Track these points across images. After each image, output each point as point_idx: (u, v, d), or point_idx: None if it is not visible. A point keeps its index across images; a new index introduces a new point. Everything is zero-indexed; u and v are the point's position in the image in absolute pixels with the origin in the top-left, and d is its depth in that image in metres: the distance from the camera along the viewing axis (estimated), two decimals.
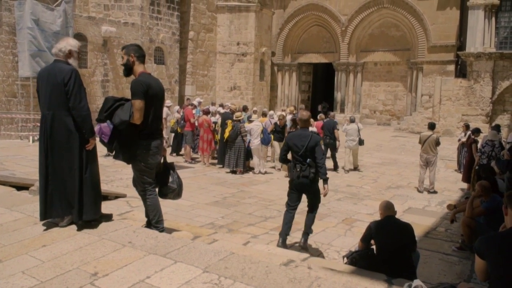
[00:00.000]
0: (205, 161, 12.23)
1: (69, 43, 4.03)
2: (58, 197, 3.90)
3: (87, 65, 16.50)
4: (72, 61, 4.01)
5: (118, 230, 3.98)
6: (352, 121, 12.58)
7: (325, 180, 5.48)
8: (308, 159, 5.42)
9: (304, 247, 5.59)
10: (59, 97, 3.84)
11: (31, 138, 14.14)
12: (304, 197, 5.86)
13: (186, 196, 8.39)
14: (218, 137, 12.18)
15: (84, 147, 3.93)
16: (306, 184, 5.53)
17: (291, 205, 5.74)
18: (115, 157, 4.20)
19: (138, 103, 3.93)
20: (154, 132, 4.16)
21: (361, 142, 12.21)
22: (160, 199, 4.37)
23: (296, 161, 5.52)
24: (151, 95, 4.03)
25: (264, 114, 13.52)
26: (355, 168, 12.36)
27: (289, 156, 5.81)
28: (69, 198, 3.90)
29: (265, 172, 11.37)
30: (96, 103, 16.72)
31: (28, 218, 4.24)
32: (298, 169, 5.48)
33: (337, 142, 12.15)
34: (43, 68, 4.13)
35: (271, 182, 10.47)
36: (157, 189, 4.37)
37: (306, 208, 5.93)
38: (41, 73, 4.03)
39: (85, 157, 3.95)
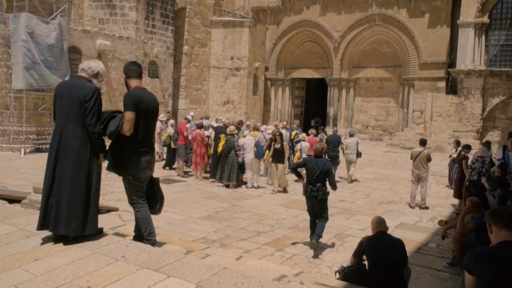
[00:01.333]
0: (198, 175, 12.22)
1: (100, 66, 4.18)
2: (59, 209, 3.88)
3: None
4: (96, 82, 4.13)
5: (111, 244, 3.98)
6: (351, 135, 13.56)
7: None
8: (318, 184, 6.52)
9: (314, 245, 6.39)
10: (78, 112, 3.91)
11: (22, 150, 14.07)
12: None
13: (178, 210, 8.40)
14: (211, 151, 12.21)
15: (92, 162, 4.00)
16: (314, 202, 6.63)
17: (310, 213, 6.89)
18: (108, 168, 4.24)
19: (128, 114, 4.01)
20: (145, 146, 4.21)
21: (358, 155, 13.15)
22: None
23: (309, 183, 6.62)
24: (142, 108, 4.09)
25: (256, 129, 13.58)
26: (352, 180, 13.18)
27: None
28: (71, 211, 3.89)
29: (258, 187, 11.38)
30: None
31: (20, 231, 4.22)
32: (309, 190, 6.59)
33: (339, 157, 13.05)
34: (64, 82, 4.23)
35: (264, 196, 10.48)
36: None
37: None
38: (61, 86, 4.10)
39: (92, 172, 4.01)
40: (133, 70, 4.27)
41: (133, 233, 4.48)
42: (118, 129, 4.00)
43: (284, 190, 11.11)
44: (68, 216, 3.87)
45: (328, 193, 6.65)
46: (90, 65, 4.12)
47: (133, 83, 4.24)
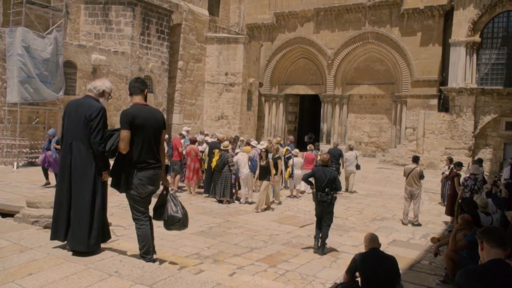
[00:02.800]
0: (191, 190, 12.20)
1: (105, 84, 4.32)
2: (67, 222, 4.07)
3: (75, 92, 16.55)
4: (102, 100, 4.28)
5: (104, 260, 3.97)
6: (351, 149, 14.87)
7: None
8: (327, 189, 7.39)
9: (321, 250, 7.31)
10: (83, 130, 4.07)
11: (15, 164, 14.00)
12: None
13: None
14: (205, 166, 12.21)
15: (98, 179, 4.13)
16: (324, 206, 7.47)
17: (318, 221, 7.63)
18: (111, 185, 4.33)
19: (122, 133, 4.12)
20: (145, 162, 4.23)
21: (357, 167, 14.18)
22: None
23: (318, 190, 7.48)
24: (138, 124, 4.15)
25: (248, 143, 13.60)
26: (351, 191, 14.14)
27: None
28: (76, 225, 4.04)
29: (252, 202, 11.36)
30: None
31: (13, 245, 4.20)
32: (319, 196, 7.45)
33: (341, 169, 13.92)
34: (73, 101, 4.35)
35: (258, 212, 10.46)
36: (151, 220, 4.45)
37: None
38: (70, 105, 4.25)
39: (98, 188, 4.13)
40: (134, 87, 4.38)
41: (132, 248, 4.51)
42: (112, 148, 4.12)
43: (267, 208, 10.77)
44: (73, 231, 4.04)
45: (335, 198, 7.57)
46: (95, 85, 4.28)
47: (134, 99, 4.35)
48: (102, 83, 4.31)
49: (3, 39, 14.10)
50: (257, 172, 11.29)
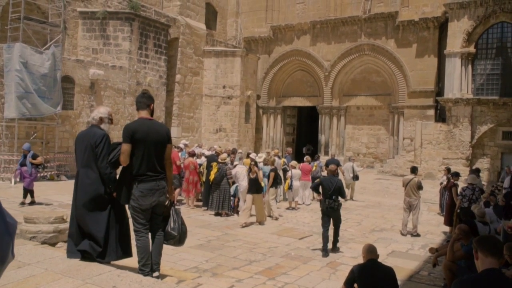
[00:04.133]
0: (189, 203, 12.18)
1: (100, 112, 4.65)
2: (87, 242, 4.39)
3: (73, 106, 16.61)
4: (104, 126, 4.63)
5: (102, 274, 3.96)
6: (349, 160, 16.06)
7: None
8: (333, 196, 8.12)
9: (335, 251, 8.13)
10: (90, 157, 4.41)
11: (13, 179, 13.97)
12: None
13: None
14: (203, 179, 12.20)
15: (107, 199, 4.45)
16: (332, 212, 8.17)
17: (325, 226, 8.18)
18: (116, 197, 4.51)
19: (122, 146, 4.32)
20: (146, 175, 4.34)
21: (354, 178, 14.84)
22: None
23: (326, 197, 8.16)
24: (139, 138, 4.28)
25: (248, 155, 13.65)
26: (351, 198, 14.79)
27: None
28: (97, 240, 4.35)
29: (250, 215, 11.33)
30: None
31: (12, 261, 4.19)
32: (327, 203, 8.13)
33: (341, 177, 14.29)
34: (81, 132, 4.78)
35: (256, 225, 10.44)
36: (149, 233, 4.55)
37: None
38: (78, 136, 4.69)
39: (110, 207, 4.45)
40: (140, 102, 4.55)
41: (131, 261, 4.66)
42: (113, 160, 4.38)
43: (260, 223, 10.32)
44: (91, 245, 4.37)
45: (341, 205, 8.36)
46: (93, 116, 4.63)
47: (140, 114, 4.53)
48: (97, 112, 4.66)
49: (1, 55, 14.18)
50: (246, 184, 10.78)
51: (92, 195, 4.38)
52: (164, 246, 4.85)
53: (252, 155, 13.54)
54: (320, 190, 8.34)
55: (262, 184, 10.83)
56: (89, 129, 4.66)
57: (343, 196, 8.48)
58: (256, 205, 10.37)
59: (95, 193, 4.38)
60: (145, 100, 4.54)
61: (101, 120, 4.60)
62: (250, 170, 10.61)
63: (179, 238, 4.53)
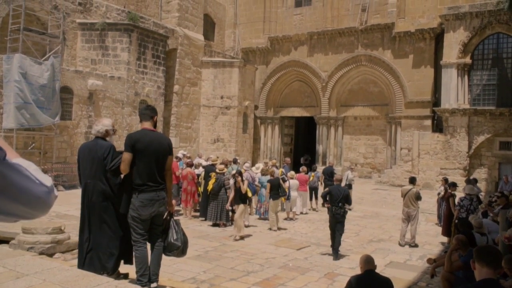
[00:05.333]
0: (187, 213, 12.17)
1: (104, 124, 4.68)
2: (96, 254, 4.44)
3: (71, 117, 16.64)
4: (109, 138, 4.71)
5: (100, 285, 3.95)
6: (348, 169, 16.99)
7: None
8: (340, 203, 8.73)
9: (336, 256, 8.60)
10: (99, 169, 4.44)
11: None
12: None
13: None
14: (201, 189, 12.20)
15: (116, 211, 4.49)
16: (338, 218, 8.74)
17: (333, 229, 8.82)
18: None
19: (123, 155, 4.38)
20: (146, 185, 4.38)
21: (348, 187, 14.25)
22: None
23: (333, 204, 8.77)
24: (140, 148, 4.36)
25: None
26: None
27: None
28: (105, 253, 4.41)
29: (248, 225, 11.34)
30: None
31: (9, 272, 4.19)
32: (333, 209, 8.72)
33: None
34: (84, 144, 4.82)
35: (254, 235, 10.43)
36: (149, 244, 4.60)
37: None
38: (82, 148, 4.68)
39: (115, 219, 4.50)
40: (144, 114, 4.65)
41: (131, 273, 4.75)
42: (113, 168, 4.42)
43: (241, 238, 9.79)
44: (102, 259, 4.44)
45: (347, 212, 8.97)
46: (97, 129, 4.64)
47: (143, 125, 4.63)
48: (102, 125, 4.68)
49: (0, 66, 14.23)
50: (231, 195, 10.52)
51: (102, 207, 4.43)
52: (162, 256, 4.86)
53: (245, 166, 13.56)
54: (328, 198, 9.02)
55: (250, 194, 10.68)
56: (94, 141, 4.68)
57: (350, 203, 9.28)
58: (236, 215, 10.09)
59: (103, 204, 4.44)
60: (148, 112, 4.64)
61: (107, 132, 4.66)
62: (235, 181, 10.30)
63: (182, 249, 4.56)
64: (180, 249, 4.54)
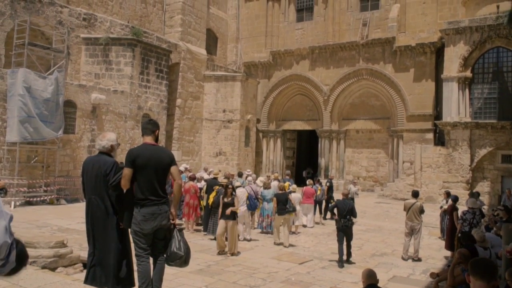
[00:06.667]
0: (189, 227, 12.14)
1: (110, 139, 4.65)
2: (99, 269, 4.41)
3: (74, 130, 16.72)
4: (114, 153, 4.71)
5: None
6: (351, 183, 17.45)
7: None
8: (347, 216, 9.45)
9: (348, 260, 9.43)
10: (100, 185, 4.43)
11: (13, 203, 13.96)
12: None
13: None
14: (203, 203, 12.19)
15: (118, 227, 4.48)
16: (346, 229, 9.43)
17: (340, 241, 9.39)
18: (119, 220, 4.56)
19: (124, 171, 4.39)
20: (147, 199, 4.40)
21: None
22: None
23: (341, 217, 9.48)
24: (140, 163, 4.38)
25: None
26: None
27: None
28: (108, 268, 4.38)
29: (250, 239, 11.30)
30: (81, 168, 16.72)
31: (12, 286, 4.20)
32: (342, 222, 9.43)
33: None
34: (88, 159, 4.78)
35: (256, 249, 10.40)
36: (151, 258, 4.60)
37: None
38: (86, 163, 4.67)
39: (119, 236, 4.48)
40: (146, 128, 4.68)
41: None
42: (114, 183, 4.39)
43: (233, 254, 9.44)
44: (105, 274, 4.41)
45: (353, 223, 9.81)
46: (103, 144, 4.61)
47: (145, 139, 4.66)
48: (107, 140, 4.64)
49: (5, 80, 14.37)
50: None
51: (105, 223, 4.45)
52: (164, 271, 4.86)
53: (249, 178, 13.56)
54: (335, 211, 9.83)
55: (240, 210, 10.30)
56: (98, 157, 4.67)
57: (355, 215, 9.80)
58: (228, 232, 9.54)
59: (106, 221, 4.45)
60: (150, 127, 4.67)
61: (112, 148, 4.65)
62: (225, 193, 9.86)
63: (185, 259, 4.55)
64: (183, 259, 4.51)
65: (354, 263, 9.41)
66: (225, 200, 9.77)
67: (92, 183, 4.52)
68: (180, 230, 4.70)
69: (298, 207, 13.05)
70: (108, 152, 4.63)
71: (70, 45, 17.89)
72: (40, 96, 14.62)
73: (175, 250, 4.48)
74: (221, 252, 9.53)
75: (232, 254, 9.45)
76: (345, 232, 9.45)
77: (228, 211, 9.53)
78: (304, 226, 13.63)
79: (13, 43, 15.40)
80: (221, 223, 9.63)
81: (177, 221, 12.37)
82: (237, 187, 11.65)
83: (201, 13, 25.38)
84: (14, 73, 14.28)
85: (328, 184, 16.47)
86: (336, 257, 9.91)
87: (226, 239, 9.71)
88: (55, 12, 17.31)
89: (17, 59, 15.37)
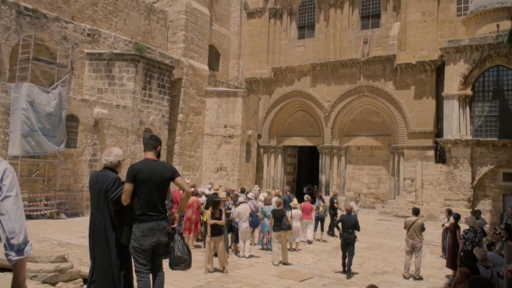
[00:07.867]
0: (190, 243, 12.08)
1: (117, 155, 4.67)
2: (99, 285, 4.39)
3: (76, 144, 16.78)
4: (119, 169, 4.70)
5: None
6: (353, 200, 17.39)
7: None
8: (350, 230, 10.03)
9: (348, 274, 9.75)
10: (102, 201, 4.44)
11: None
12: None
13: (169, 280, 8.25)
14: (203, 219, 12.15)
15: (119, 243, 4.47)
16: (348, 243, 9.96)
17: (345, 253, 10.03)
18: (118, 236, 4.55)
19: (124, 186, 4.41)
20: (147, 214, 4.40)
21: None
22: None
23: (344, 231, 10.05)
24: (141, 179, 4.41)
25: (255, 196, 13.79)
26: None
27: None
28: (108, 285, 4.36)
29: (250, 256, 11.24)
30: (82, 182, 16.76)
31: None
32: (345, 235, 10.03)
33: (338, 211, 16.05)
34: (94, 173, 4.81)
35: (256, 266, 10.35)
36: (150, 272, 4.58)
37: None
38: (92, 177, 4.70)
39: (119, 252, 4.46)
40: (148, 144, 4.74)
41: None
42: (114, 198, 4.39)
43: (223, 270, 9.42)
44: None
45: (356, 237, 10.43)
46: (110, 160, 4.61)
47: (146, 155, 4.71)
48: (115, 156, 4.65)
49: (8, 94, 14.49)
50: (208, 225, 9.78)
51: (104, 242, 4.44)
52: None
53: (250, 195, 13.54)
54: (340, 225, 10.29)
55: (241, 226, 10.96)
56: (102, 172, 4.67)
57: (358, 229, 10.33)
58: (217, 249, 9.55)
59: (107, 237, 4.44)
60: (152, 142, 4.71)
61: (119, 163, 4.66)
62: (215, 209, 9.74)
63: (189, 262, 4.60)
64: (187, 262, 4.60)
65: (356, 273, 10.04)
66: (216, 216, 9.62)
67: (95, 198, 4.54)
68: (180, 234, 4.73)
69: (298, 224, 13.02)
70: (114, 167, 4.63)
71: (74, 60, 18.07)
72: (43, 110, 14.72)
73: (179, 254, 4.54)
74: (209, 271, 9.23)
75: (223, 269, 9.37)
76: (347, 247, 9.94)
77: (210, 222, 9.54)
78: (310, 242, 13.66)
79: (17, 57, 15.57)
80: (208, 245, 9.45)
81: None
82: (240, 203, 11.69)
83: (203, 29, 25.67)
84: (18, 87, 14.40)
85: (336, 200, 16.84)
86: (337, 275, 9.87)
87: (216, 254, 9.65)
88: (60, 28, 17.54)
89: (21, 73, 15.53)
